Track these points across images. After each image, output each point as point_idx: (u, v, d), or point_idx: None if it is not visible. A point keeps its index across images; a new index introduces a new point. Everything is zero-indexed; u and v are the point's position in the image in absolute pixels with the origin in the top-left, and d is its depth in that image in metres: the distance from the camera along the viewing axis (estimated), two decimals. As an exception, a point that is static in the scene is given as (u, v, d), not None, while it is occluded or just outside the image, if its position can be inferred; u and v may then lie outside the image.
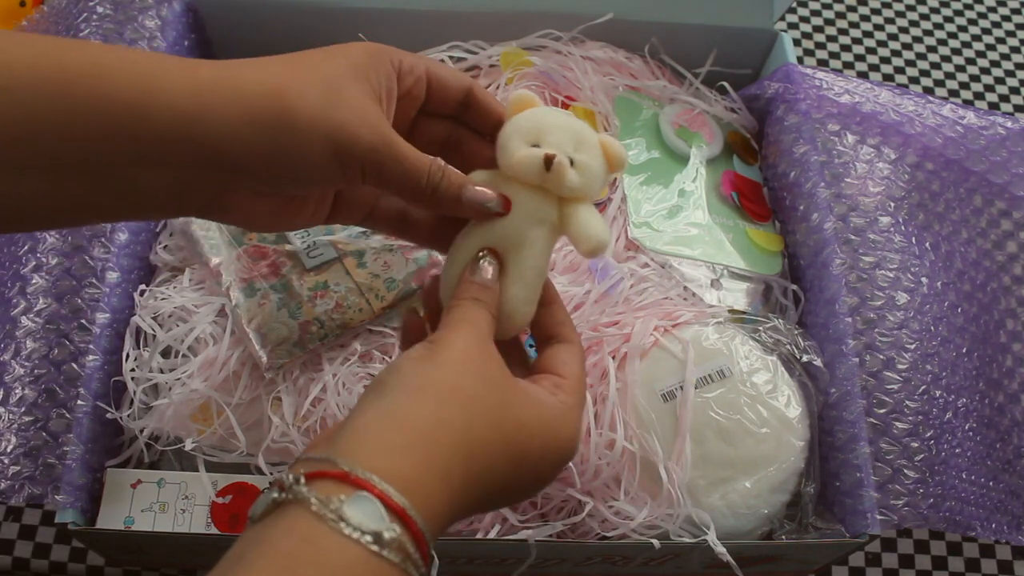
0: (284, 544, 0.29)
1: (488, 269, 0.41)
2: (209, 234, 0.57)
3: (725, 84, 0.70)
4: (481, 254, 0.41)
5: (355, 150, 0.37)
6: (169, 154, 0.35)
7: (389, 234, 0.47)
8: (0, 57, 0.33)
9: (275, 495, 0.31)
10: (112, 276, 0.56)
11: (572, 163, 0.41)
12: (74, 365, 0.57)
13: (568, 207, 0.42)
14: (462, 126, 0.44)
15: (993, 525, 0.59)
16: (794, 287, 0.63)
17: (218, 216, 0.40)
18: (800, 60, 0.82)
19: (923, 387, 0.59)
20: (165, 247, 0.60)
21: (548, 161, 0.40)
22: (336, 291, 0.55)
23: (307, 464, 0.32)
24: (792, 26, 0.90)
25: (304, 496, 0.30)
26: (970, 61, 0.89)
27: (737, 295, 0.62)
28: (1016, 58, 0.90)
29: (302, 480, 0.31)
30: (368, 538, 0.29)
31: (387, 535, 0.30)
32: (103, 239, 0.60)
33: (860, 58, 0.89)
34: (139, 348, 0.55)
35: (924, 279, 0.62)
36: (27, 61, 0.33)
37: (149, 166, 0.35)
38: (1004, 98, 0.87)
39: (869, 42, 0.90)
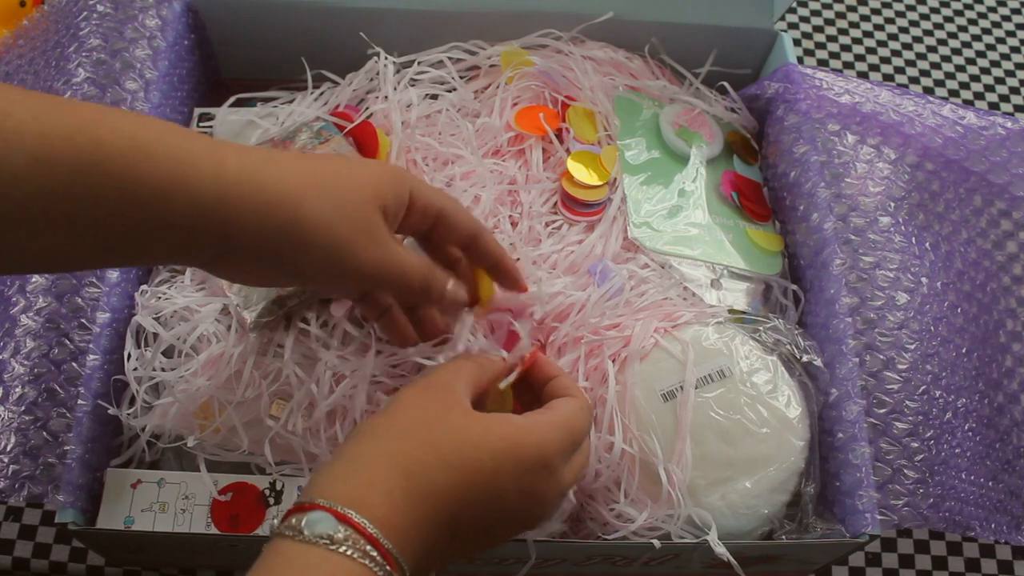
0: (263, 563, 0.36)
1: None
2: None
3: (725, 84, 0.70)
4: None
5: (354, 270, 0.42)
6: (183, 234, 0.38)
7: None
8: (37, 128, 0.35)
9: (264, 545, 0.37)
10: (112, 275, 0.56)
11: None
12: (74, 364, 0.57)
13: None
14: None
15: (993, 525, 0.59)
16: (794, 287, 0.63)
17: (211, 273, 0.44)
18: (800, 60, 0.82)
19: (923, 387, 0.59)
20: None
21: None
22: None
23: None
24: (792, 26, 0.90)
25: (278, 530, 0.37)
26: (970, 61, 0.89)
27: (737, 295, 0.62)
28: (1016, 58, 0.90)
29: (276, 522, 0.38)
30: (324, 540, 0.36)
31: (339, 535, 0.36)
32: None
33: (860, 58, 0.89)
34: (140, 347, 0.55)
35: (924, 279, 0.62)
36: (64, 133, 0.35)
37: (163, 240, 0.39)
38: (1004, 98, 0.87)
39: (869, 42, 0.90)
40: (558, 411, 0.45)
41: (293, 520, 0.37)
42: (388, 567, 0.37)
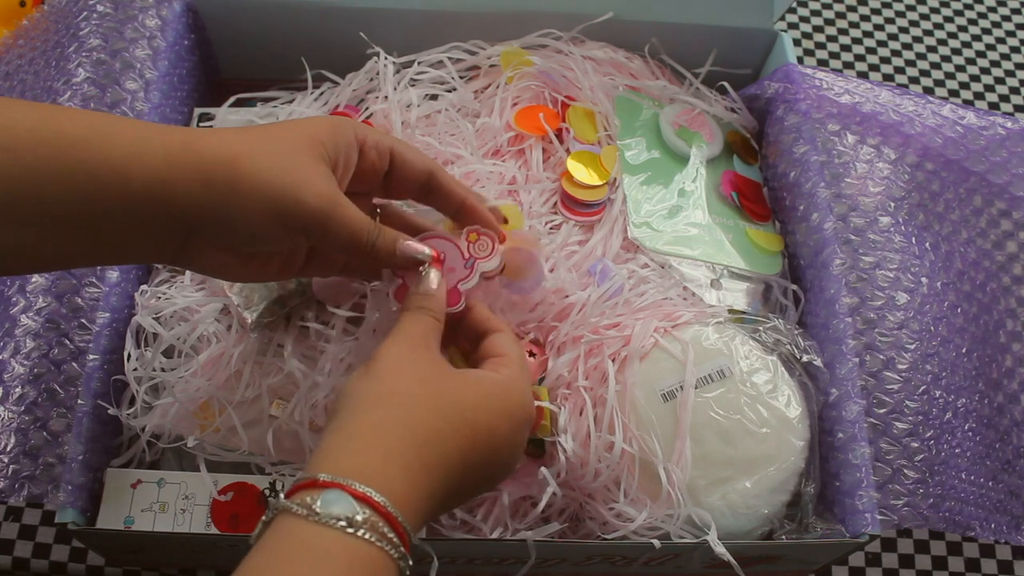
0: (270, 542, 0.35)
1: (432, 279, 0.46)
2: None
3: (725, 84, 0.70)
4: (423, 268, 0.46)
5: (298, 213, 0.41)
6: (144, 211, 0.40)
7: (365, 278, 0.52)
8: (2, 121, 0.37)
9: (264, 518, 0.36)
10: (112, 275, 0.56)
11: None
12: (74, 364, 0.57)
13: None
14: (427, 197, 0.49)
15: (993, 525, 0.59)
16: (794, 287, 0.63)
17: (188, 265, 0.45)
18: (800, 60, 0.82)
19: (923, 387, 0.59)
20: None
21: None
22: None
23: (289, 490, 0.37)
24: (792, 26, 0.90)
25: (285, 506, 0.35)
26: (970, 61, 0.89)
27: (737, 295, 0.62)
28: (1016, 58, 0.90)
29: (282, 496, 0.36)
30: (342, 523, 0.34)
31: (358, 518, 0.35)
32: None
33: (860, 58, 0.89)
34: (140, 347, 0.55)
35: (924, 279, 0.62)
36: (28, 125, 0.37)
37: (128, 220, 0.40)
38: (1004, 98, 0.87)
39: (869, 42, 0.90)
40: (514, 356, 0.46)
41: (307, 498, 0.35)
42: (402, 547, 0.36)
